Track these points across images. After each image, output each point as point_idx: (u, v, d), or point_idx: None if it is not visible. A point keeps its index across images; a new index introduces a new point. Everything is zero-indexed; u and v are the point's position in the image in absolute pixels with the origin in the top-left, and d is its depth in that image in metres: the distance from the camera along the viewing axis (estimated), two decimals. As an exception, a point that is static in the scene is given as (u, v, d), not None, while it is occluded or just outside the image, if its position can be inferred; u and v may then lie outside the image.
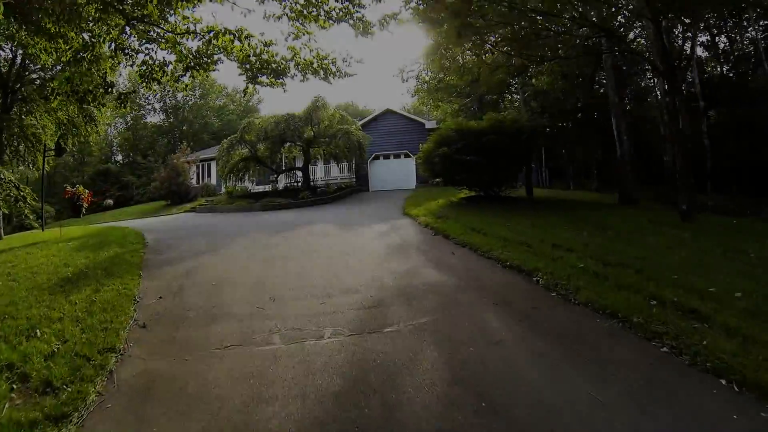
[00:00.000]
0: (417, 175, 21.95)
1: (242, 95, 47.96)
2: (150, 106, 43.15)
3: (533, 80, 13.00)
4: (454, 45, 7.23)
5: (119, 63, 8.28)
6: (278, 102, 77.66)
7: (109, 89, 7.28)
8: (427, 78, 19.55)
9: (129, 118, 43.41)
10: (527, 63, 9.08)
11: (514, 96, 26.12)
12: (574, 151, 18.20)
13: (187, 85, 8.73)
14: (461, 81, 10.27)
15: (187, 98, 43.18)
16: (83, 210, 10.51)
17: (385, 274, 5.21)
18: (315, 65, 7.00)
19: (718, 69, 20.45)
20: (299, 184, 20.63)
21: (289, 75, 6.90)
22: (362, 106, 54.93)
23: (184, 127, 43.67)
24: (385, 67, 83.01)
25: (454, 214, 9.46)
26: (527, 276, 5.19)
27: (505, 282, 5.04)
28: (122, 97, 7.49)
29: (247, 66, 7.09)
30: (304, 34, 6.51)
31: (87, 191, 10.22)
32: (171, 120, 43.26)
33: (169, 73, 8.50)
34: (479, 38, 7.92)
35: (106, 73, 7.15)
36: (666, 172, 14.29)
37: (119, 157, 45.92)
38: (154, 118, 44.43)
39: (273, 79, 6.88)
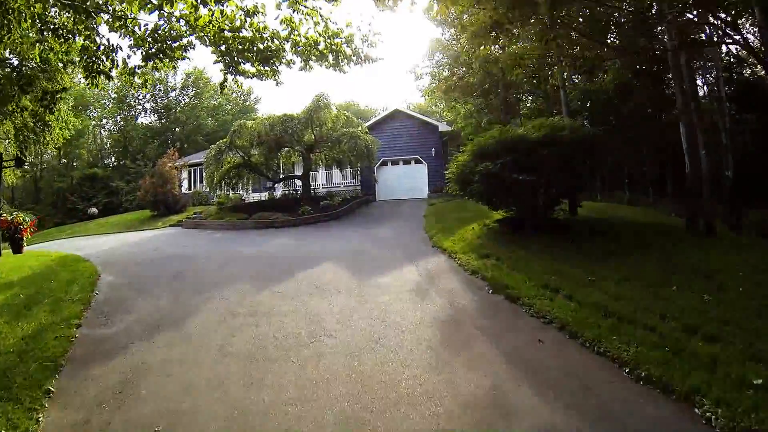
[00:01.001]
0: (429, 184, 19.78)
1: (237, 93, 45.57)
2: (140, 107, 40.68)
3: (602, 75, 10.83)
4: (545, 12, 5.03)
5: (51, 50, 6.09)
6: (279, 101, 74.74)
7: (27, 87, 5.06)
8: (443, 75, 17.31)
9: (119, 119, 41.06)
10: (610, 54, 6.89)
11: (527, 97, 23.93)
12: (609, 160, 16.03)
13: (146, 81, 6.53)
14: (512, 74, 8.07)
15: (180, 97, 40.81)
16: (23, 244, 8.25)
17: (456, 408, 3.03)
18: (322, 46, 4.80)
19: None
20: (298, 192, 18.45)
21: (283, 61, 4.70)
22: (363, 106, 52.64)
23: (177, 129, 41.29)
24: (387, 64, 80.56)
25: (504, 252, 7.29)
26: (685, 404, 3.08)
27: (658, 422, 2.90)
28: (47, 97, 5.27)
29: (223, 47, 4.89)
30: (306, -1, 4.30)
31: (29, 220, 7.99)
32: (163, 121, 40.85)
33: (121, 63, 6.32)
34: (560, 18, 5.71)
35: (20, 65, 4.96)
36: (733, 189, 12.12)
37: (113, 160, 43.39)
38: (147, 119, 41.99)
39: (260, 67, 4.69)
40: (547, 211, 8.98)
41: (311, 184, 18.28)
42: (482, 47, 6.42)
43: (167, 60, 6.43)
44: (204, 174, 15.82)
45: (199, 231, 14.33)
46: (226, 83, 5.56)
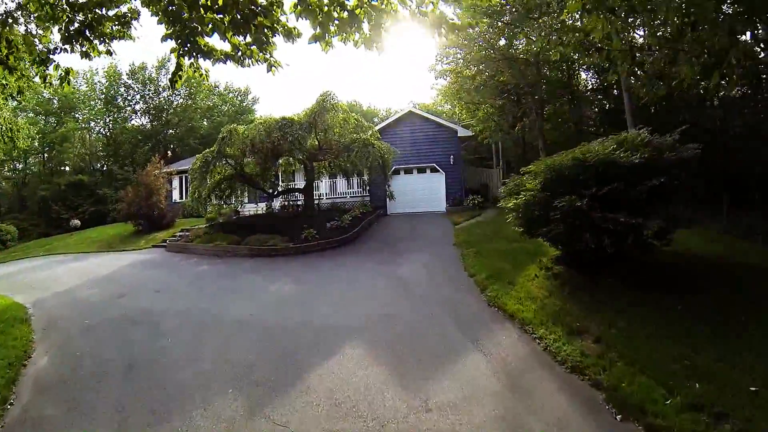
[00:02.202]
0: (447, 196, 17.43)
1: (234, 93, 43.04)
2: (130, 107, 38.21)
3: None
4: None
5: None
6: (279, 101, 71.68)
7: None
8: (470, 72, 14.95)
9: (108, 121, 38.62)
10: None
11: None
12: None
13: (68, 74, 4.25)
14: (623, 69, 5.75)
15: (172, 98, 38.37)
16: None
17: None
18: (352, 3, 2.50)
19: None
20: (300, 205, 16.10)
21: (279, 29, 2.38)
22: (366, 106, 50.27)
23: (170, 131, 38.89)
24: (390, 62, 78.02)
25: (597, 322, 5.21)
26: None
27: None
28: None
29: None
30: None
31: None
32: (154, 123, 38.42)
33: (24, 47, 4.05)
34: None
35: None
36: None
37: (104, 165, 40.89)
38: (137, 122, 39.52)
39: (236, 38, 2.38)
40: (641, 252, 6.66)
41: (314, 195, 15.95)
42: (594, 27, 4.21)
43: (98, 41, 4.12)
44: (189, 188, 13.49)
45: (183, 259, 12.00)
46: (181, 72, 3.25)
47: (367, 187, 18.21)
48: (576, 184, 5.81)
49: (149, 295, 7.99)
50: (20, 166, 37.34)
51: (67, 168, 37.13)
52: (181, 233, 15.82)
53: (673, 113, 11.32)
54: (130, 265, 11.76)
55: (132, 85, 37.03)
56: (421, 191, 17.69)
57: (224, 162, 13.58)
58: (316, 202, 16.09)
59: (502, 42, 15.61)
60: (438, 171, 17.68)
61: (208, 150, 12.93)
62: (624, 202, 5.91)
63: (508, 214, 6.99)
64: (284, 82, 76.04)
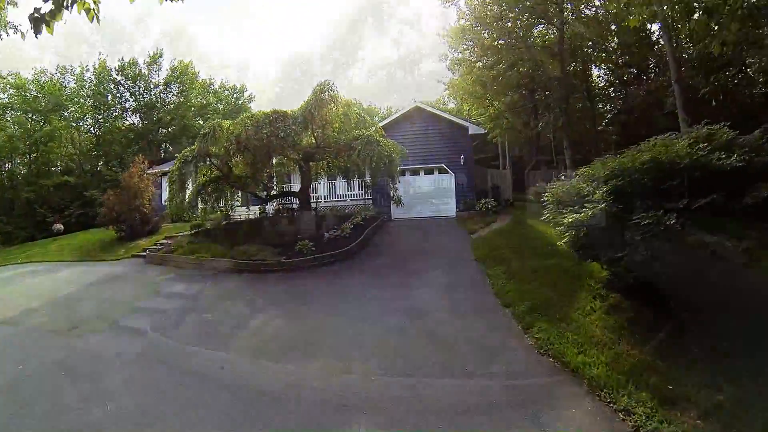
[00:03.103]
0: (457, 199, 15.91)
1: (229, 91, 41.39)
2: (120, 105, 36.55)
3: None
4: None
5: None
6: (279, 102, 70.04)
7: None
8: (484, 64, 13.44)
9: (99, 119, 36.97)
10: None
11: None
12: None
13: None
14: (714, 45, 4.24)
15: (163, 95, 36.76)
16: None
17: None
18: None
19: None
20: (295, 210, 14.59)
21: None
22: (367, 104, 48.71)
23: (162, 130, 37.29)
24: (391, 60, 76.40)
25: (689, 384, 3.72)
26: None
27: None
28: None
29: None
30: None
31: None
32: (145, 122, 36.80)
33: None
34: None
35: None
36: None
37: (97, 166, 39.05)
38: (128, 120, 37.84)
39: None
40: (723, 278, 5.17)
41: (312, 199, 14.43)
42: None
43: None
44: (168, 192, 11.94)
45: (160, 273, 10.51)
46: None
47: (369, 190, 16.69)
48: (654, 193, 4.31)
49: (110, 330, 6.46)
50: (8, 166, 35.78)
51: (59, 168, 35.58)
52: (164, 240, 14.37)
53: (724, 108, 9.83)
54: (99, 281, 10.25)
55: (122, 82, 35.43)
56: (429, 194, 16.18)
57: (208, 162, 12.04)
58: (313, 205, 14.58)
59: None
60: (447, 172, 16.16)
61: (188, 149, 11.36)
62: (719, 217, 4.44)
63: (554, 229, 5.49)
64: (283, 81, 74.45)
